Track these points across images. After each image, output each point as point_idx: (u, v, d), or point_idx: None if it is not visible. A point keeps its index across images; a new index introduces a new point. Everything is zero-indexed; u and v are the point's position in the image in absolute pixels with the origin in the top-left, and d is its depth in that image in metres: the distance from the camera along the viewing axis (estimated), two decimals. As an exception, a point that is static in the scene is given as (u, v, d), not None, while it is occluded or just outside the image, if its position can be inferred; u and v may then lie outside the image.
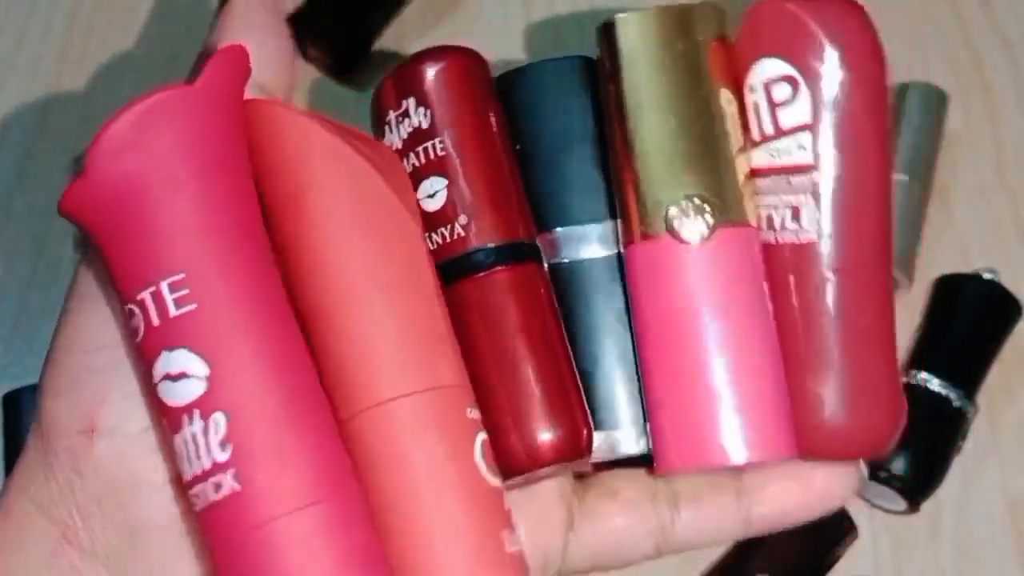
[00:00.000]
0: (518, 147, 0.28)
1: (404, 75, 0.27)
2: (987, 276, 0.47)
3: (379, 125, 0.28)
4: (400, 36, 0.56)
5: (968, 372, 0.46)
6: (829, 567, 0.44)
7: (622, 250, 0.27)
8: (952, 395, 0.45)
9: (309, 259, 0.25)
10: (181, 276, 0.22)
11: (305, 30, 0.53)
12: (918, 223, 0.49)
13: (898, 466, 0.44)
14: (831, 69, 0.25)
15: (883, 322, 0.26)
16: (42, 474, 0.24)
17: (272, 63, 0.27)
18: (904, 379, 0.45)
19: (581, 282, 0.27)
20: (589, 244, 0.28)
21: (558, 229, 0.28)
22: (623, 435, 0.27)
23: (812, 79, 0.26)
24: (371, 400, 0.24)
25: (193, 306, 0.22)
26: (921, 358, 0.46)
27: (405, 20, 0.56)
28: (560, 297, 0.27)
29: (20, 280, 0.52)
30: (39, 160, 0.54)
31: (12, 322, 0.51)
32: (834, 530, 0.45)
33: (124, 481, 0.24)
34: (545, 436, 0.26)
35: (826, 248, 0.26)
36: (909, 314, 0.48)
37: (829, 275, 0.26)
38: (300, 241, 0.25)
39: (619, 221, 0.27)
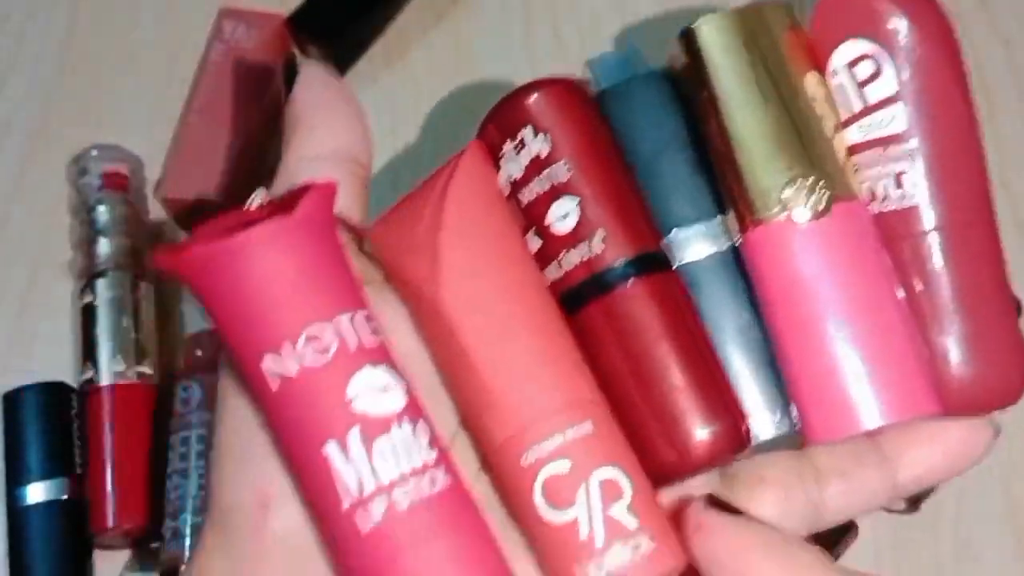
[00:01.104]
0: None
1: (516, 106, 0.28)
2: (987, 276, 0.47)
3: (492, 158, 0.28)
4: (400, 36, 0.56)
5: (968, 372, 0.46)
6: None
7: (736, 241, 0.28)
8: (952, 395, 0.45)
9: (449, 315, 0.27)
10: (366, 312, 0.25)
11: (305, 30, 0.53)
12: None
13: (898, 466, 0.44)
14: (906, 37, 0.27)
15: (996, 274, 0.27)
16: (226, 545, 0.26)
17: (351, 133, 0.29)
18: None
19: (701, 280, 0.28)
20: (701, 243, 0.28)
21: (671, 233, 0.28)
22: (763, 421, 0.27)
23: (891, 51, 0.27)
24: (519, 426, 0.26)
25: (379, 339, 0.25)
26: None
27: (405, 20, 0.56)
28: None
29: (21, 280, 0.52)
30: (39, 161, 0.54)
31: (13, 322, 0.51)
32: (834, 529, 0.45)
33: (303, 547, 0.25)
34: (703, 434, 0.26)
35: (931, 208, 0.27)
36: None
37: (937, 234, 0.27)
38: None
39: (732, 214, 0.28)
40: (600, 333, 0.27)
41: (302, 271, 0.25)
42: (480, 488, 0.27)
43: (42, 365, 0.49)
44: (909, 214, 0.27)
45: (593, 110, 0.28)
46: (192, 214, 0.51)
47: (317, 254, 0.25)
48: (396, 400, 0.25)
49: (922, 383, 0.27)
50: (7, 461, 0.46)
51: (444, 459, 0.25)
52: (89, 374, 0.46)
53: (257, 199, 0.27)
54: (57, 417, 0.46)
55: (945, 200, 0.27)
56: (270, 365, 0.24)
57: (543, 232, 0.27)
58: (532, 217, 0.28)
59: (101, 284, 0.47)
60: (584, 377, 0.27)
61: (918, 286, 0.27)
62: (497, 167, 0.28)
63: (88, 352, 0.47)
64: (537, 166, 0.27)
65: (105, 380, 0.46)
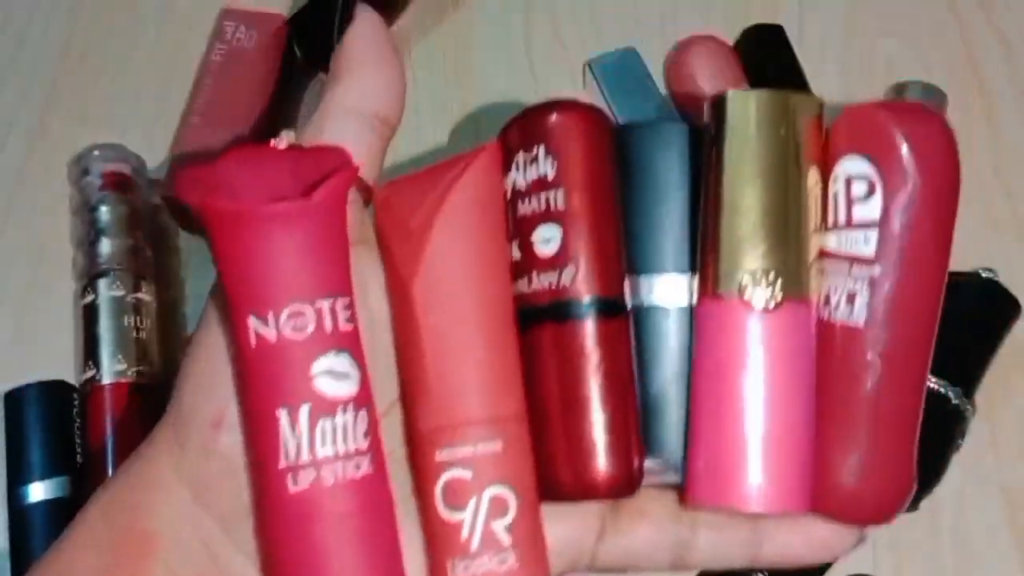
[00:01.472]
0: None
1: (538, 121, 0.29)
2: (986, 275, 0.47)
3: (506, 160, 0.30)
4: (400, 37, 0.56)
5: (967, 371, 0.46)
6: (829, 566, 0.44)
7: (694, 302, 0.29)
8: (951, 394, 0.45)
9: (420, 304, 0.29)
10: (348, 300, 0.28)
11: (304, 31, 0.53)
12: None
13: (897, 465, 0.44)
14: (906, 179, 0.27)
15: (913, 407, 0.29)
16: (177, 446, 0.29)
17: (390, 95, 0.30)
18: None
19: (654, 326, 0.30)
20: (667, 292, 0.30)
21: (642, 275, 0.30)
22: (659, 467, 0.29)
23: (888, 184, 0.28)
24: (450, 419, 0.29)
25: (352, 326, 0.28)
26: (920, 357, 0.46)
27: (405, 21, 0.56)
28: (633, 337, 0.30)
29: (21, 280, 0.52)
30: (39, 161, 0.54)
31: (14, 321, 0.51)
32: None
33: (240, 467, 0.28)
34: (601, 470, 0.28)
35: (872, 336, 0.28)
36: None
37: (871, 360, 0.28)
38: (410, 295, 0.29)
39: (697, 277, 0.29)
40: (544, 354, 0.29)
41: (304, 252, 0.27)
42: (400, 453, 0.30)
43: (43, 364, 0.49)
44: (852, 333, 0.28)
45: (607, 145, 0.29)
46: (192, 214, 0.51)
47: (322, 238, 0.27)
48: (349, 388, 0.27)
49: (803, 485, 0.28)
50: (9, 460, 0.46)
51: (373, 447, 0.28)
52: (91, 373, 0.46)
53: (284, 140, 0.29)
54: (59, 416, 0.46)
55: (886, 334, 0.28)
56: (254, 324, 0.27)
57: (525, 247, 0.29)
58: (521, 229, 0.29)
59: (103, 284, 0.47)
60: (514, 394, 0.29)
61: (836, 398, 0.28)
62: (508, 168, 0.29)
63: (90, 351, 0.47)
64: (539, 185, 0.29)
65: (107, 379, 0.46)
